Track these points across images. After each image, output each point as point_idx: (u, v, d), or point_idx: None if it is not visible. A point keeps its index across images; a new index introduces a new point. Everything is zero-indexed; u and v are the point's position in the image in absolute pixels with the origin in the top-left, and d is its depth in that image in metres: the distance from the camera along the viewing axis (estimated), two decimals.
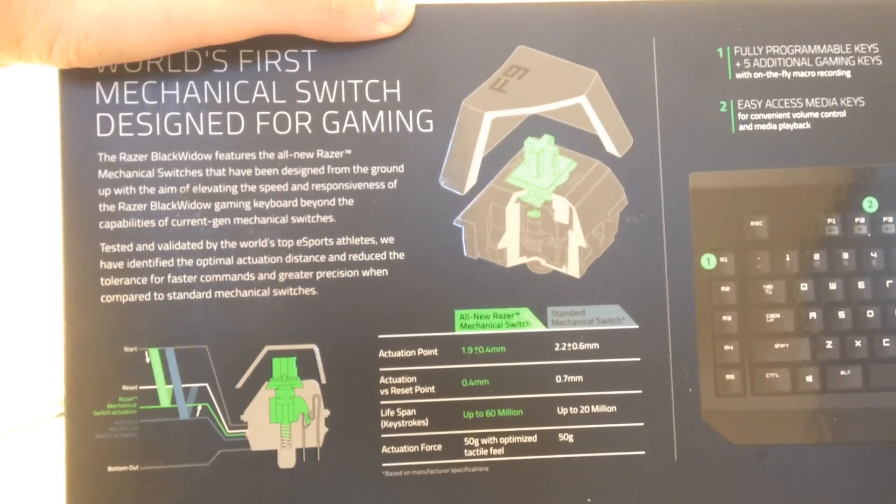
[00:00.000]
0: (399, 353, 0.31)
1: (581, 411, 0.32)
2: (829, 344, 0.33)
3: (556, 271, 0.32)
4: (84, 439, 0.30)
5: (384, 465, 0.31)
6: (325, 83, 0.32)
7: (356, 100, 0.32)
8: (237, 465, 0.31)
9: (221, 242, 0.31)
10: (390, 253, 0.32)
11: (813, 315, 0.33)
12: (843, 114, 0.33)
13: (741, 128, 0.33)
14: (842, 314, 0.33)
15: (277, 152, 0.32)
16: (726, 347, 0.32)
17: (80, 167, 0.31)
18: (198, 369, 0.31)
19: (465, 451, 0.32)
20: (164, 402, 0.31)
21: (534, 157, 0.32)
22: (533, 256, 0.32)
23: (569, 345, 0.32)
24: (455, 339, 0.32)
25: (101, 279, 0.31)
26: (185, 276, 0.31)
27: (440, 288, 0.32)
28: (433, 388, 0.32)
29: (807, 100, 0.33)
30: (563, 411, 0.32)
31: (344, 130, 0.32)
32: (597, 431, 0.32)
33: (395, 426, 0.31)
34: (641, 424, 0.32)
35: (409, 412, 0.32)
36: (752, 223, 0.33)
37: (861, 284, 0.33)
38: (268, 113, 0.32)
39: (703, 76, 0.33)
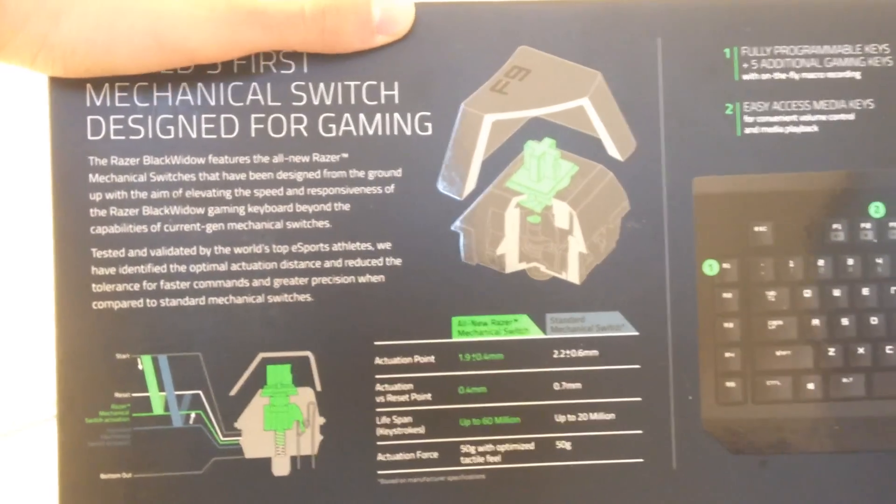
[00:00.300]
0: (395, 361, 0.31)
1: (579, 419, 0.32)
2: (832, 351, 0.32)
3: (555, 278, 0.32)
4: (76, 447, 0.30)
5: (379, 472, 0.31)
6: (322, 85, 0.31)
7: (353, 102, 0.31)
8: (231, 473, 0.31)
9: (215, 248, 0.31)
10: (387, 259, 0.31)
11: (816, 322, 0.32)
12: (851, 116, 0.32)
13: (747, 130, 0.32)
14: (846, 321, 0.32)
15: (272, 156, 0.31)
16: (727, 355, 0.32)
17: (70, 171, 0.30)
18: (191, 376, 0.30)
19: (462, 458, 0.31)
20: (157, 409, 0.30)
21: (534, 161, 0.32)
22: (532, 262, 0.32)
23: (568, 352, 0.32)
24: (452, 346, 0.31)
25: (93, 285, 0.30)
26: (178, 282, 0.30)
27: (438, 294, 0.31)
28: (430, 395, 0.31)
29: (815, 102, 0.32)
30: (561, 419, 0.32)
31: (340, 133, 0.31)
32: (595, 439, 0.32)
33: (391, 433, 0.31)
34: (640, 432, 0.32)
35: (406, 419, 0.31)
36: (756, 229, 0.32)
37: (866, 291, 0.32)
38: (262, 115, 0.31)
39: (708, 78, 0.32)
